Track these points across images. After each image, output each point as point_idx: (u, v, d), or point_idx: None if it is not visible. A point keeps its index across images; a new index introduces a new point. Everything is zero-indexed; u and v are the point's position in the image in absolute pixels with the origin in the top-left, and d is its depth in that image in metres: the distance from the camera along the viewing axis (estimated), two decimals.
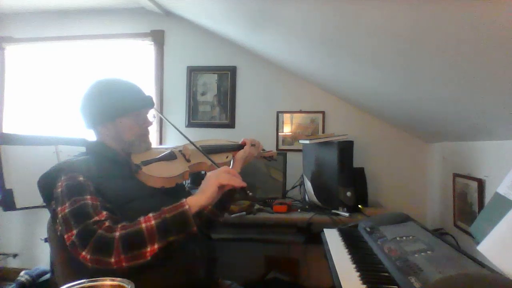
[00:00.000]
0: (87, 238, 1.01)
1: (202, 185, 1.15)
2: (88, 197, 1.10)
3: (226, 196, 1.32)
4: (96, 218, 1.05)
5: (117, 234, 1.02)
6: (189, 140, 1.37)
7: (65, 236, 1.05)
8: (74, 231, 1.03)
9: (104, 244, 1.00)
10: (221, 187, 1.14)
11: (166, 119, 1.42)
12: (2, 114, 3.06)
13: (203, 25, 2.74)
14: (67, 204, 1.08)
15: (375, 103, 2.40)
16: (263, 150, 1.68)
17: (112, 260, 0.99)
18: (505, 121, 1.35)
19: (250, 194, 1.18)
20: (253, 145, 1.57)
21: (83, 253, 1.00)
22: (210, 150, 1.48)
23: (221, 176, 1.14)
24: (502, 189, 1.14)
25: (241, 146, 1.56)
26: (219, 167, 1.32)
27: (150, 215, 1.06)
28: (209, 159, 1.33)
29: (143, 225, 1.04)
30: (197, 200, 1.10)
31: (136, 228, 1.03)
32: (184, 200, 1.09)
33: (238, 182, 1.15)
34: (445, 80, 1.34)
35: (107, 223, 1.05)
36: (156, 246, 1.02)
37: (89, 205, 1.08)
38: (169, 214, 1.06)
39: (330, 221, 1.98)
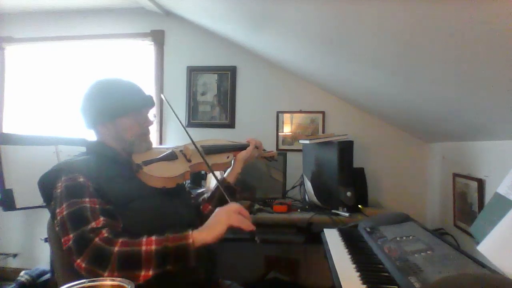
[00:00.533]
0: (84, 246, 1.00)
1: (211, 220, 1.13)
2: (87, 199, 1.09)
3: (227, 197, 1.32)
4: (94, 224, 1.04)
5: (116, 249, 1.00)
6: (191, 138, 1.37)
7: (62, 240, 1.05)
8: (71, 236, 1.03)
9: (101, 256, 0.99)
10: (230, 227, 1.11)
11: (175, 114, 1.39)
12: (2, 114, 3.06)
13: (203, 25, 2.74)
14: (64, 206, 1.07)
15: (375, 103, 2.40)
16: (264, 150, 1.68)
17: (105, 274, 0.98)
18: (505, 121, 1.35)
19: (257, 238, 1.14)
20: (256, 147, 1.57)
21: (78, 260, 1.00)
22: (211, 150, 1.48)
23: (232, 217, 1.11)
24: (502, 189, 1.14)
25: (242, 147, 1.56)
26: (212, 171, 1.31)
27: (153, 238, 1.04)
28: (206, 162, 1.32)
29: (143, 247, 1.02)
30: (203, 236, 1.07)
31: (135, 249, 1.02)
32: (190, 233, 1.07)
33: (248, 226, 1.12)
34: (445, 80, 1.34)
35: (105, 232, 1.04)
36: (150, 272, 1.01)
37: (87, 208, 1.07)
38: (171, 244, 1.04)
39: (330, 221, 1.98)
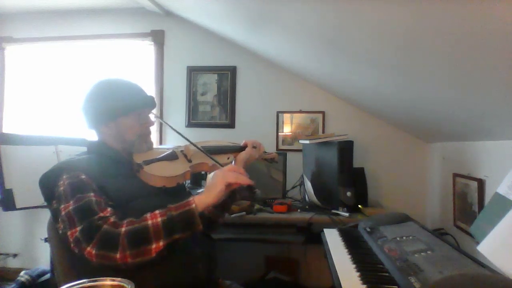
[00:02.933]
0: (92, 234, 1.01)
1: (208, 183, 1.15)
2: (92, 194, 1.10)
3: (227, 197, 1.32)
4: (101, 214, 1.06)
5: (123, 229, 1.02)
6: (190, 142, 1.37)
7: (69, 233, 1.05)
8: (78, 228, 1.03)
9: (109, 239, 1.01)
10: (228, 185, 1.12)
11: (168, 124, 1.41)
12: (2, 114, 3.06)
13: (203, 25, 2.74)
14: (71, 202, 1.08)
15: (375, 103, 2.40)
16: (265, 152, 1.68)
17: (118, 255, 0.99)
18: (505, 121, 1.35)
19: (257, 191, 1.16)
20: (254, 147, 1.57)
21: (88, 248, 1.01)
22: (211, 151, 1.48)
23: (228, 175, 1.13)
24: (502, 189, 1.14)
25: (242, 148, 1.56)
26: (222, 166, 1.32)
27: (157, 212, 1.06)
28: (212, 158, 1.33)
29: (149, 221, 1.04)
30: (203, 199, 1.10)
31: (142, 224, 1.03)
32: (191, 198, 1.09)
33: (245, 180, 1.13)
34: (445, 80, 1.34)
35: (112, 219, 1.05)
36: (161, 243, 1.02)
37: (93, 201, 1.08)
38: (176, 212, 1.06)
39: (330, 221, 1.98)
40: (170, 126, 1.39)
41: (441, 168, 2.30)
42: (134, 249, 1.00)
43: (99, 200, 1.09)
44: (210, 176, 1.17)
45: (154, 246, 1.01)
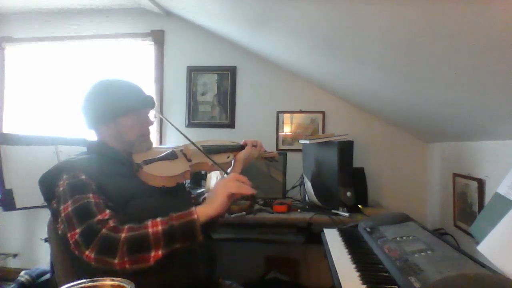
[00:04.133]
0: (91, 238, 1.01)
1: (211, 194, 1.14)
2: (91, 195, 1.10)
3: None
4: (100, 217, 1.05)
5: (123, 235, 1.01)
6: (190, 141, 1.37)
7: (68, 235, 1.05)
8: (78, 230, 1.03)
9: (109, 244, 1.00)
10: (230, 196, 1.12)
11: (170, 122, 1.40)
12: (2, 114, 3.06)
13: (203, 25, 2.74)
14: (69, 203, 1.08)
15: (375, 103, 2.40)
16: (265, 151, 1.68)
17: (116, 261, 0.99)
18: (505, 121, 1.35)
19: (260, 202, 1.18)
20: (254, 146, 1.57)
21: (87, 252, 1.00)
22: (210, 150, 1.48)
23: (230, 185, 1.13)
24: (502, 189, 1.14)
25: (242, 147, 1.57)
26: (221, 167, 1.33)
27: (158, 219, 1.06)
28: (210, 159, 1.33)
29: (150, 229, 1.03)
30: (206, 210, 1.09)
31: (142, 232, 1.03)
32: (194, 208, 1.09)
33: (248, 190, 1.13)
34: (445, 80, 1.34)
35: (111, 223, 1.05)
36: (160, 252, 1.02)
37: (92, 203, 1.08)
38: (177, 222, 1.05)
39: (330, 221, 1.98)
40: (171, 124, 1.39)
41: (441, 168, 2.30)
42: (133, 256, 1.00)
43: (98, 201, 1.09)
44: (212, 182, 1.17)
45: (153, 254, 1.01)
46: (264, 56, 2.70)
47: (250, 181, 1.17)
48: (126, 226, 1.04)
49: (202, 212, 1.08)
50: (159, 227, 1.04)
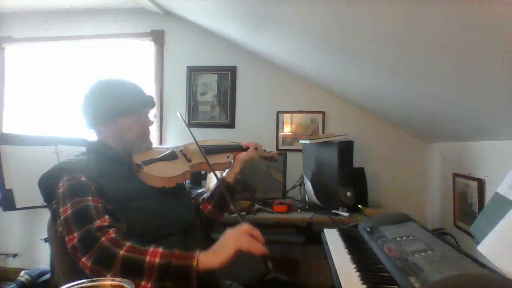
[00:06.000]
0: (90, 245, 1.00)
1: (220, 242, 1.06)
2: (90, 198, 1.09)
3: (227, 197, 1.32)
4: (98, 222, 1.04)
5: (122, 252, 1.00)
6: (194, 139, 1.36)
7: (66, 239, 1.04)
8: (76, 234, 1.03)
9: (107, 257, 0.99)
10: (239, 251, 1.03)
11: (184, 120, 1.40)
12: (2, 114, 3.06)
13: (203, 25, 2.74)
14: (68, 205, 1.07)
15: (375, 103, 2.40)
16: (264, 150, 1.68)
17: (109, 275, 0.97)
18: (505, 121, 1.35)
19: (270, 266, 1.07)
20: (256, 148, 1.58)
21: (83, 259, 1.00)
22: (210, 150, 1.48)
23: (242, 240, 1.04)
24: (502, 189, 1.14)
25: (242, 147, 1.57)
26: (213, 170, 1.30)
27: (160, 250, 1.02)
28: (208, 162, 1.31)
29: (147, 258, 1.00)
30: (209, 260, 1.01)
31: (140, 258, 1.00)
32: (197, 253, 1.02)
33: (259, 249, 1.05)
34: (445, 80, 1.34)
35: (112, 233, 1.03)
36: (150, 285, 0.98)
37: (91, 207, 1.07)
38: (176, 261, 1.00)
39: (330, 221, 1.98)
40: (183, 119, 1.39)
41: (441, 168, 2.30)
42: (124, 277, 0.97)
43: (97, 205, 1.08)
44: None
45: (143, 283, 0.97)
46: (264, 56, 2.70)
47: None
48: (127, 244, 1.02)
49: (204, 260, 1.01)
50: (157, 260, 0.99)
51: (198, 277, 0.99)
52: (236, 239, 1.04)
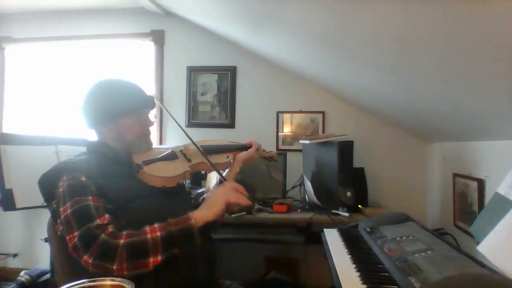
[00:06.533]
0: (90, 243, 1.01)
1: (209, 199, 1.18)
2: (90, 197, 1.09)
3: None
4: (99, 221, 1.05)
5: (122, 241, 1.02)
6: (191, 140, 1.37)
7: (67, 238, 1.05)
8: (76, 233, 1.03)
9: (107, 250, 1.00)
10: (228, 204, 1.16)
11: (175, 120, 1.40)
12: (2, 114, 3.05)
13: (203, 25, 2.74)
14: (68, 205, 1.07)
15: (375, 103, 2.40)
16: (264, 150, 1.68)
17: (114, 267, 0.99)
18: (505, 121, 1.35)
19: (260, 202, 1.23)
20: (257, 149, 1.59)
21: (85, 257, 1.00)
22: (210, 150, 1.48)
23: (229, 194, 1.17)
24: (502, 189, 1.14)
25: (242, 147, 1.57)
26: (215, 168, 1.32)
27: (156, 225, 1.07)
28: (209, 162, 1.32)
29: (148, 235, 1.04)
30: (203, 215, 1.12)
31: (141, 238, 1.03)
32: (191, 213, 1.11)
33: (245, 201, 1.19)
34: (445, 80, 1.34)
35: (110, 228, 1.04)
36: (159, 257, 1.03)
37: (91, 206, 1.07)
38: (175, 227, 1.07)
39: (330, 221, 1.98)
40: (176, 122, 1.39)
41: (441, 168, 2.30)
42: (132, 262, 1.00)
43: (97, 204, 1.09)
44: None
45: (152, 260, 1.02)
46: (264, 56, 2.70)
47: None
48: (124, 232, 1.04)
49: (200, 216, 1.11)
50: (158, 233, 1.05)
51: (200, 233, 1.09)
52: (225, 194, 1.17)
